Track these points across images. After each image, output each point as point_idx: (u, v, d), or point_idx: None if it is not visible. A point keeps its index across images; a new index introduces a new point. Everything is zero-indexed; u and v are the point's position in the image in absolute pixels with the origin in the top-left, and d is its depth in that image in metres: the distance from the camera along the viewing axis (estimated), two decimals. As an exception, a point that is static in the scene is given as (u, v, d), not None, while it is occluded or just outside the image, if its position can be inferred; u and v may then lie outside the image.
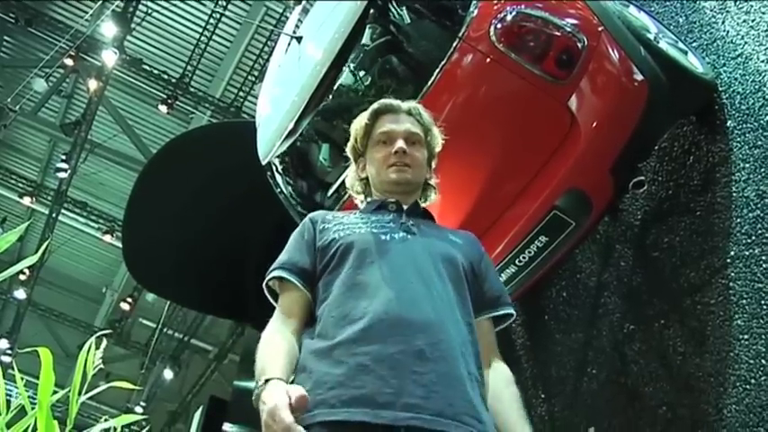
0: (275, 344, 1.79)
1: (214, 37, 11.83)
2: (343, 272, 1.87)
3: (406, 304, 1.76)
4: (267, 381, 1.62)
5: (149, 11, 11.40)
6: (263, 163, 4.00)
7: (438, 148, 2.18)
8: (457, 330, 1.79)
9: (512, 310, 2.04)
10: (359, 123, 2.17)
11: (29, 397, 3.02)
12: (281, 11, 11.09)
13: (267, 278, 1.96)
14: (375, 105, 2.17)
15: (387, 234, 1.95)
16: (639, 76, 3.18)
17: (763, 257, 2.94)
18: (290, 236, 2.06)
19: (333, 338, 1.74)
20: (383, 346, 1.68)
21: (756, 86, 3.29)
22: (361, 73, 3.73)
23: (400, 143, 2.06)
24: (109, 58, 10.68)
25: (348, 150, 2.22)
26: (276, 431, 1.50)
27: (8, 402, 3.01)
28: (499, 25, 3.10)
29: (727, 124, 3.37)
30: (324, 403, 1.64)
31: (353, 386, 1.63)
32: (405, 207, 2.07)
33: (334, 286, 1.86)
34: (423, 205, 2.15)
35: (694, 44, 3.76)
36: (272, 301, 1.98)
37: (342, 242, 1.93)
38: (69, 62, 11.14)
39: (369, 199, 2.16)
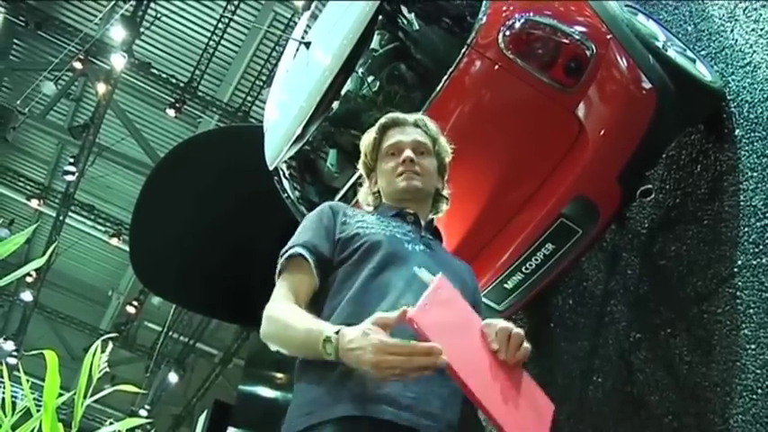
0: (303, 313, 1.78)
1: (222, 41, 11.86)
2: (366, 269, 1.87)
3: None
4: (336, 332, 1.60)
5: (158, 15, 11.44)
6: (271, 168, 4.00)
7: (448, 158, 2.21)
8: None
9: None
10: (367, 139, 2.20)
11: (34, 399, 3.03)
12: (289, 16, 11.12)
13: (287, 254, 1.92)
14: (382, 120, 2.20)
15: (410, 243, 1.97)
16: (648, 84, 3.17)
17: (771, 267, 2.93)
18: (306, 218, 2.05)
19: None
20: None
21: (765, 95, 3.28)
22: (370, 79, 3.73)
23: (408, 152, 2.09)
24: (117, 61, 10.72)
25: (360, 167, 2.24)
26: (396, 361, 1.49)
27: (14, 404, 3.01)
28: (508, 32, 3.10)
29: (736, 133, 3.36)
30: (345, 399, 1.64)
31: (376, 385, 1.63)
32: (422, 221, 2.09)
33: (356, 282, 1.85)
34: (432, 217, 2.17)
35: (703, 52, 3.75)
36: (276, 278, 1.95)
37: (367, 239, 1.93)
38: (78, 65, 11.18)
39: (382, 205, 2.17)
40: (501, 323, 1.68)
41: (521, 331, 1.68)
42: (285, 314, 1.78)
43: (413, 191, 2.08)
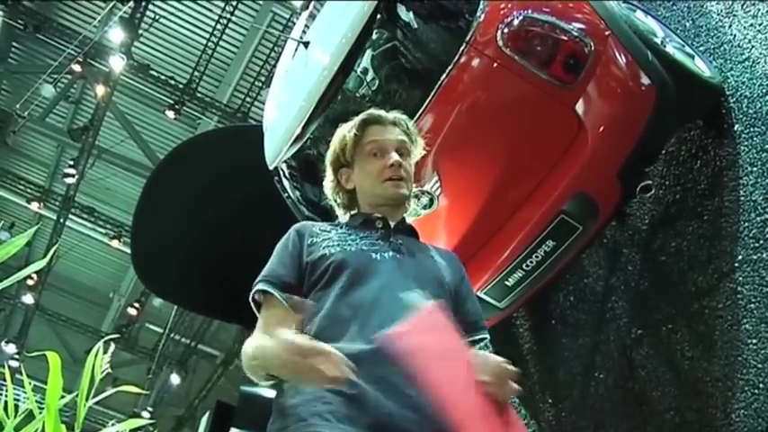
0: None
1: (221, 42, 11.86)
2: (334, 290, 1.87)
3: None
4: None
5: (157, 17, 11.44)
6: (271, 168, 4.01)
7: (418, 158, 2.18)
8: None
9: (487, 335, 2.05)
10: (346, 135, 2.13)
11: (36, 401, 3.03)
12: (288, 16, 11.12)
13: (252, 291, 1.94)
14: (362, 116, 2.15)
15: (377, 253, 1.95)
16: (646, 81, 3.17)
17: (772, 262, 2.93)
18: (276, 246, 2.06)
19: None
20: (376, 368, 1.68)
21: (764, 90, 3.28)
22: (369, 78, 3.73)
23: (395, 156, 2.06)
24: (116, 63, 10.73)
25: (329, 160, 2.17)
26: (303, 360, 1.52)
27: (16, 407, 3.02)
28: (506, 30, 3.10)
29: (735, 128, 3.36)
30: (320, 416, 1.65)
31: (351, 406, 1.64)
32: (392, 224, 2.06)
33: (325, 305, 1.86)
34: (404, 216, 2.14)
35: (701, 48, 3.75)
36: (256, 312, 1.96)
37: (333, 259, 1.91)
38: (77, 68, 11.18)
39: (354, 212, 2.14)
40: (494, 358, 1.70)
41: (515, 369, 1.70)
42: (252, 351, 1.81)
43: (400, 199, 2.07)
